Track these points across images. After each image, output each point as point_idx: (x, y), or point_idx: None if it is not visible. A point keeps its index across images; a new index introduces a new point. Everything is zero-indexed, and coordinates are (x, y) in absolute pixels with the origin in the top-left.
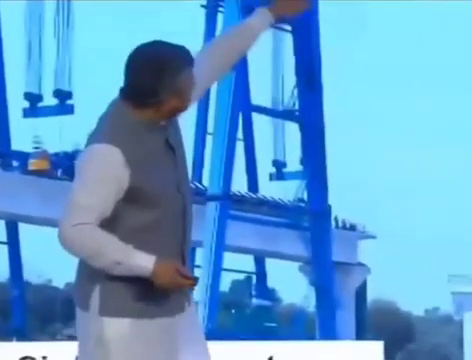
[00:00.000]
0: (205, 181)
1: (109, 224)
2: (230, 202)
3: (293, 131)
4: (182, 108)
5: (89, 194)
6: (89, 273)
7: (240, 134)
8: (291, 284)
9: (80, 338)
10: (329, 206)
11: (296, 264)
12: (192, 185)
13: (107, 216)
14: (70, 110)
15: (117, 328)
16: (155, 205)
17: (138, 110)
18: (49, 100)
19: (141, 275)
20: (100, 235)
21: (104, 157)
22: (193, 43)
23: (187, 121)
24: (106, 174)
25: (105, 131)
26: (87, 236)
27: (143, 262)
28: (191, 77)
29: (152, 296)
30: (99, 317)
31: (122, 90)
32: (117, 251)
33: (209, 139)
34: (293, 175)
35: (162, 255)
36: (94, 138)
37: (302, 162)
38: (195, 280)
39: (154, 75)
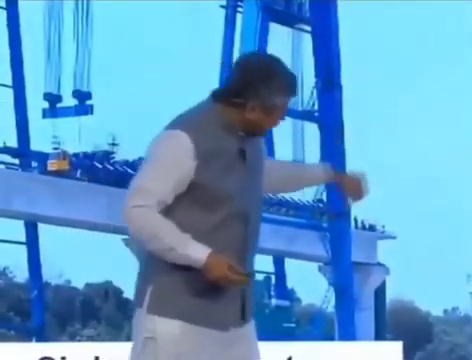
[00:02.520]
0: None
1: (168, 217)
2: None
3: (312, 131)
4: (261, 127)
5: (153, 178)
6: (145, 271)
7: None
8: (310, 284)
9: (133, 334)
10: (349, 206)
11: (315, 264)
12: None
13: (168, 203)
14: (89, 111)
15: (167, 328)
16: (216, 207)
17: (223, 108)
18: (68, 101)
19: (193, 265)
20: (158, 219)
21: (174, 143)
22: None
23: None
24: (172, 160)
25: (183, 120)
26: (145, 218)
27: (197, 253)
28: (283, 107)
29: (204, 304)
30: (148, 315)
31: (217, 88)
32: (173, 237)
33: None
34: None
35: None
36: (170, 124)
37: (321, 162)
38: (248, 276)
39: (254, 78)
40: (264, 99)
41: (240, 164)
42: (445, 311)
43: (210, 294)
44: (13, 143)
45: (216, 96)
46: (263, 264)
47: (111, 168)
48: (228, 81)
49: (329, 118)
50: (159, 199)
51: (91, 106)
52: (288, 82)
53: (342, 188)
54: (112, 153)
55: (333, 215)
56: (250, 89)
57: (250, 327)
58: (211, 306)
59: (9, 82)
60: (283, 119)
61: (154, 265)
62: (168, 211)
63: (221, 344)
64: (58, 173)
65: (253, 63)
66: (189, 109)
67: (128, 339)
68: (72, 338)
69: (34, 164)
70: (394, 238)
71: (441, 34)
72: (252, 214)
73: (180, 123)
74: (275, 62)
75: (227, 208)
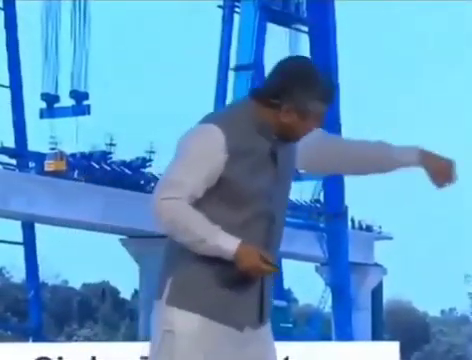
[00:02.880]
0: None
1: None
2: None
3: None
4: (294, 131)
5: (183, 170)
6: (167, 263)
7: None
8: (307, 285)
9: (152, 326)
10: (346, 207)
11: (312, 265)
12: None
13: (199, 197)
14: (86, 111)
15: (186, 322)
16: (243, 205)
17: (259, 108)
18: (66, 101)
19: (224, 257)
20: (189, 211)
21: (206, 136)
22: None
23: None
24: (204, 153)
25: (218, 115)
26: (176, 211)
27: (228, 244)
28: (319, 114)
29: (224, 300)
30: (168, 307)
31: (256, 88)
32: (204, 229)
33: None
34: (310, 176)
35: None
36: (204, 119)
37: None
38: (276, 266)
39: (292, 81)
40: (299, 103)
41: (270, 166)
42: (442, 311)
43: (230, 291)
44: (10, 143)
45: (254, 95)
46: None
47: (108, 168)
48: (267, 82)
49: (326, 118)
50: (190, 192)
51: (88, 106)
52: (325, 89)
53: (430, 171)
54: (109, 153)
55: (330, 215)
56: (287, 91)
57: (267, 329)
58: (230, 303)
59: (6, 82)
60: (319, 127)
61: (176, 257)
62: (197, 205)
63: (237, 343)
64: (55, 173)
65: (293, 66)
66: (227, 105)
67: (125, 339)
68: (69, 338)
69: (31, 164)
70: (391, 239)
71: (440, 34)
72: (277, 217)
73: (214, 118)
74: (315, 68)
75: (253, 207)
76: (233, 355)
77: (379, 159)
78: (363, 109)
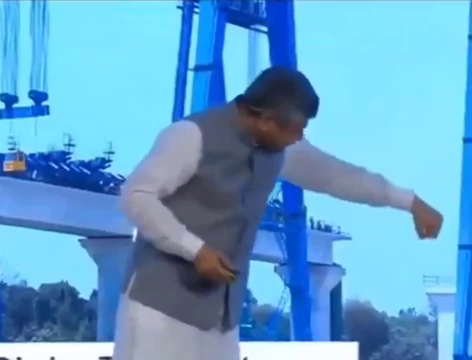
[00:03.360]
0: None
1: (167, 207)
2: None
3: None
4: (272, 141)
5: (157, 165)
6: (133, 257)
7: None
8: (266, 285)
9: (117, 318)
10: (304, 207)
11: (271, 265)
12: None
13: (169, 193)
14: (45, 111)
15: (149, 319)
16: (213, 207)
17: (240, 114)
18: (25, 101)
19: (185, 257)
20: (157, 206)
21: (183, 134)
22: (169, 44)
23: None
24: (179, 150)
25: (199, 115)
26: (144, 204)
27: (190, 245)
28: (299, 126)
29: (188, 299)
30: (131, 301)
31: (242, 93)
32: (169, 226)
33: None
34: None
35: None
36: (185, 117)
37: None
38: (236, 274)
39: (274, 90)
40: (280, 112)
41: (246, 172)
42: (401, 312)
43: (195, 290)
44: None
45: (238, 100)
46: None
47: (67, 169)
48: (250, 88)
49: None
50: (161, 188)
51: (47, 107)
52: (307, 101)
53: (418, 220)
54: (68, 154)
55: (289, 216)
56: (268, 99)
57: (234, 333)
58: (193, 303)
59: None
60: (299, 139)
61: (143, 252)
62: (167, 202)
63: (201, 344)
64: (14, 174)
65: (278, 75)
66: (210, 108)
67: (83, 339)
68: (28, 339)
69: None
70: (350, 239)
71: (409, 34)
72: (249, 224)
73: (195, 117)
74: (300, 79)
75: (225, 211)
76: (196, 356)
77: (374, 192)
78: (323, 107)
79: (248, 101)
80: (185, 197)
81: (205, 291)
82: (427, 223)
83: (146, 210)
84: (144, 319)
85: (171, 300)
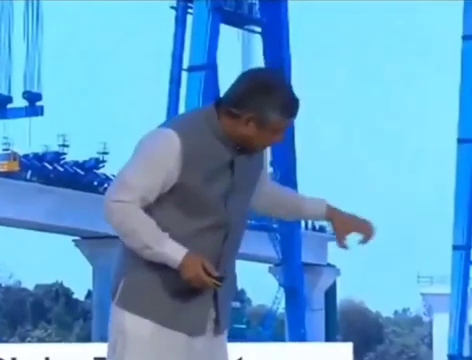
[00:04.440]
0: None
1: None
2: None
3: None
4: (252, 142)
5: (138, 174)
6: (120, 264)
7: None
8: (261, 286)
9: (109, 326)
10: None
11: (266, 265)
12: None
13: (150, 201)
14: (39, 112)
15: (136, 327)
16: (196, 213)
17: (220, 117)
18: (19, 102)
19: (169, 265)
20: (138, 216)
21: (163, 142)
22: (163, 44)
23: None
24: (159, 158)
25: (177, 120)
26: (125, 214)
27: (173, 253)
28: (278, 127)
29: (175, 306)
30: (118, 309)
31: (222, 96)
32: (151, 235)
33: None
34: None
35: None
36: (165, 123)
37: (272, 163)
38: (220, 280)
39: (253, 91)
40: (259, 113)
41: (227, 175)
42: (395, 312)
43: (182, 297)
44: None
45: (217, 103)
46: None
47: (61, 169)
48: (230, 90)
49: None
50: (142, 195)
51: (41, 107)
52: (286, 102)
53: (334, 226)
54: (62, 154)
55: None
56: (246, 101)
57: (222, 339)
58: (180, 310)
59: None
60: (279, 141)
61: (128, 259)
62: (150, 211)
63: (189, 351)
64: (8, 174)
65: (258, 76)
66: (190, 111)
67: (78, 340)
68: (22, 339)
69: None
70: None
71: (403, 35)
72: (232, 228)
73: (174, 123)
74: (279, 80)
75: (208, 217)
76: None
77: (290, 207)
78: (317, 110)
79: (227, 104)
80: (167, 206)
81: (192, 297)
82: (343, 227)
83: (127, 219)
84: (132, 327)
85: (158, 308)
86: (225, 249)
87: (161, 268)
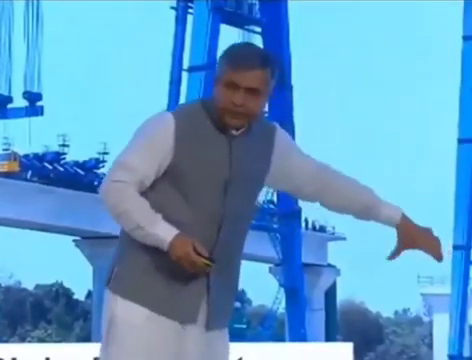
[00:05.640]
0: None
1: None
2: None
3: None
4: (217, 104)
5: (135, 155)
6: (117, 252)
7: None
8: (261, 286)
9: (102, 312)
10: (299, 208)
11: (266, 265)
12: None
13: (147, 185)
14: (40, 112)
15: (128, 312)
16: (192, 200)
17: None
18: (19, 102)
19: (160, 246)
20: (133, 196)
21: (158, 123)
22: (163, 44)
23: None
24: (155, 139)
25: (180, 106)
26: (121, 194)
27: (164, 233)
28: (231, 80)
29: (168, 292)
30: (111, 294)
31: None
32: (143, 215)
33: None
34: None
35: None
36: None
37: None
38: (211, 261)
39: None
40: (217, 72)
41: (225, 164)
42: (396, 312)
43: (175, 284)
44: None
45: None
46: None
47: (62, 169)
48: None
49: (280, 118)
50: (139, 178)
51: (42, 107)
52: (233, 53)
53: (400, 236)
54: (63, 154)
55: (284, 216)
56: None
57: (220, 335)
58: (174, 296)
59: None
60: (238, 102)
61: (124, 247)
62: (146, 195)
63: (181, 339)
64: (8, 174)
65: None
66: (194, 99)
67: (78, 340)
68: (22, 339)
69: None
70: (344, 239)
71: (403, 35)
72: (229, 220)
73: (176, 108)
74: (243, 43)
75: (200, 204)
76: (174, 352)
77: (366, 207)
78: (317, 108)
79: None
80: (163, 190)
81: (185, 285)
82: (412, 243)
83: (122, 200)
84: (122, 312)
85: (150, 294)
86: (220, 241)
87: (155, 255)
